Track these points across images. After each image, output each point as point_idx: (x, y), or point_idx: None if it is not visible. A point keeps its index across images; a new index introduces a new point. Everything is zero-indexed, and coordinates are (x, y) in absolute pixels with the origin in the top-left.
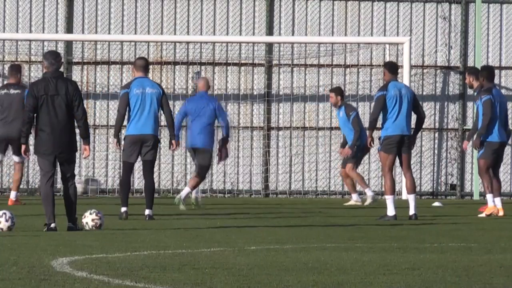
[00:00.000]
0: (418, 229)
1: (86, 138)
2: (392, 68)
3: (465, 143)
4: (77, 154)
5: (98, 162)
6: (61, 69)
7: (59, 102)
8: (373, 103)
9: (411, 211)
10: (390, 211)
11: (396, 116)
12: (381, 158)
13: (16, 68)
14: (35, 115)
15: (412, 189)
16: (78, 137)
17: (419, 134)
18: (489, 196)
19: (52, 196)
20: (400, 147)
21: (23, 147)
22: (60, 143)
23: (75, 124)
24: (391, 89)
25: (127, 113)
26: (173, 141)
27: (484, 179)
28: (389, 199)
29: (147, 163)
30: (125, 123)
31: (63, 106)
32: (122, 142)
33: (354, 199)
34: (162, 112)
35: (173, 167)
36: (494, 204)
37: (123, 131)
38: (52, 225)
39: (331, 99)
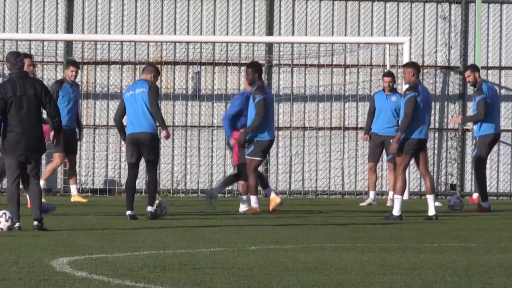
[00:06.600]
0: (418, 229)
1: (60, 133)
2: (419, 69)
3: None
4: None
5: (98, 162)
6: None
7: (27, 103)
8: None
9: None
10: (397, 210)
11: (419, 119)
12: (399, 158)
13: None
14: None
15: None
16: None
17: None
18: None
19: (17, 197)
20: (418, 151)
21: None
22: (31, 143)
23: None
24: (422, 92)
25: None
26: (164, 132)
27: None
28: (399, 199)
29: (149, 163)
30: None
31: (32, 106)
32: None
33: (371, 197)
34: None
35: (173, 167)
36: None
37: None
38: (16, 224)
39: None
